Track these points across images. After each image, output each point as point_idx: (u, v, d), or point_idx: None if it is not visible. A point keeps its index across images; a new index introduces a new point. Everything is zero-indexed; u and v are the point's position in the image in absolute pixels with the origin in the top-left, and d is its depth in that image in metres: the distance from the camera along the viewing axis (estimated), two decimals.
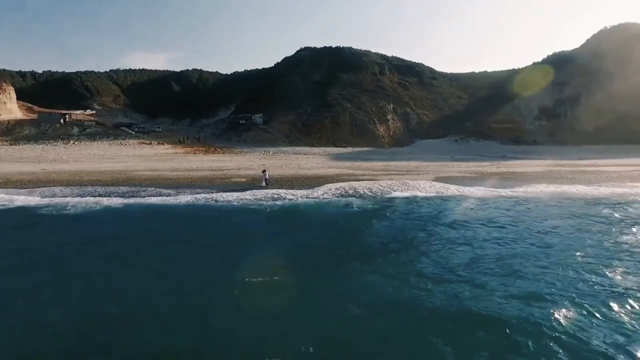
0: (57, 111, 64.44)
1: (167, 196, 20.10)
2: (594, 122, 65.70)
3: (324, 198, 20.51)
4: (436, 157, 49.36)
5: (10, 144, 46.87)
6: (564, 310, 7.94)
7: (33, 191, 20.77)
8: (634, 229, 14.42)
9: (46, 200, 18.68)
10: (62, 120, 59.87)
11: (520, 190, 23.06)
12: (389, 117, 73.89)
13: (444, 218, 16.33)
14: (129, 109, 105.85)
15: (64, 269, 10.60)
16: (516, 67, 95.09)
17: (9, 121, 55.54)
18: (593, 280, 9.60)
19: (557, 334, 7.11)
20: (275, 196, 20.49)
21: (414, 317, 7.87)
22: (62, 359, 6.65)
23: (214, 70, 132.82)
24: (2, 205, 17.78)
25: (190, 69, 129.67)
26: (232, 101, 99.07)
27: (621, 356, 6.48)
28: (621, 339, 6.98)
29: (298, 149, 56.79)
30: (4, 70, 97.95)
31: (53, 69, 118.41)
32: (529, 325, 7.43)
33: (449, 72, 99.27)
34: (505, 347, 6.80)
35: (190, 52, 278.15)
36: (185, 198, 19.66)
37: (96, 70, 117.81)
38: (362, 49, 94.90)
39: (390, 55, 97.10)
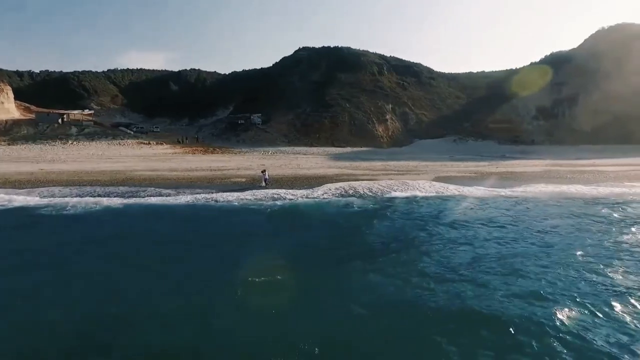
0: (55, 111, 64.20)
1: (167, 196, 20.06)
2: (592, 122, 65.99)
3: (324, 198, 20.51)
4: (435, 157, 49.44)
5: (8, 144, 46.67)
6: (566, 309, 7.97)
7: (32, 191, 20.69)
8: (633, 229, 14.49)
9: (45, 201, 18.61)
10: (60, 120, 59.61)
11: (519, 190, 23.14)
12: (387, 117, 73.96)
13: (444, 218, 16.36)
14: (126, 108, 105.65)
15: (64, 269, 10.57)
16: (514, 67, 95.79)
17: (6, 121, 55.30)
18: (594, 279, 9.64)
19: (559, 333, 7.14)
20: (275, 196, 20.48)
21: (416, 316, 7.88)
22: (62, 359, 6.64)
23: (212, 70, 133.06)
24: (1, 205, 17.70)
25: (188, 68, 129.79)
26: (230, 101, 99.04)
27: (624, 356, 6.51)
28: (624, 338, 7.02)
29: (297, 149, 56.77)
30: (1, 69, 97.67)
31: (50, 69, 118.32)
32: (531, 324, 7.45)
33: (446, 72, 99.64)
34: (508, 346, 6.82)
35: (188, 51, 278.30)
36: (185, 198, 19.62)
37: (94, 70, 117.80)
38: (361, 49, 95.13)
39: (388, 55, 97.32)
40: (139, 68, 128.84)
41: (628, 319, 7.68)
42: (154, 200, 19.28)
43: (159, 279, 9.95)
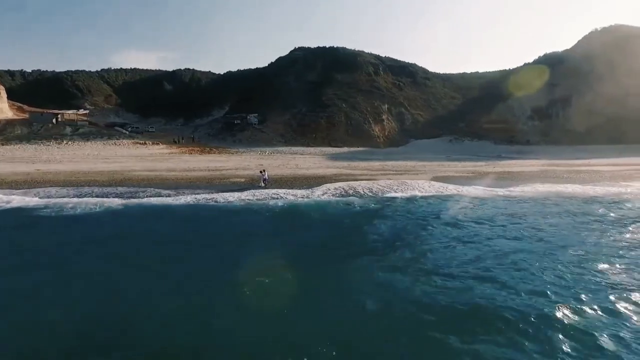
0: (49, 111, 63.50)
1: (166, 197, 19.95)
2: (586, 123, 66.71)
3: (324, 198, 20.53)
4: (432, 157, 49.66)
5: (2, 144, 46.04)
6: (568, 305, 8.07)
7: (29, 192, 20.47)
8: (631, 228, 14.69)
9: (43, 201, 18.41)
10: (54, 120, 58.99)
11: (517, 190, 23.33)
12: (383, 117, 74.19)
13: (445, 217, 16.45)
14: (121, 108, 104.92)
15: (64, 269, 10.52)
16: (507, 68, 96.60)
17: (0, 121, 54.63)
18: (595, 276, 9.77)
19: (563, 329, 7.23)
20: (275, 196, 20.46)
21: (418, 314, 7.88)
22: (62, 359, 6.62)
23: (207, 70, 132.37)
24: None
25: (182, 68, 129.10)
26: (225, 101, 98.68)
27: (627, 351, 6.61)
28: (626, 333, 7.11)
29: (294, 148, 56.72)
30: None
31: (41, 68, 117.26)
32: (534, 320, 7.55)
33: (441, 72, 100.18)
34: (512, 342, 6.88)
35: (181, 51, 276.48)
36: (185, 198, 19.53)
37: (87, 70, 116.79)
38: (356, 49, 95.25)
39: (383, 55, 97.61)
40: (132, 68, 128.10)
41: (629, 314, 7.79)
42: (153, 200, 19.16)
43: (159, 279, 9.93)
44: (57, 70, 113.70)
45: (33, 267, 10.54)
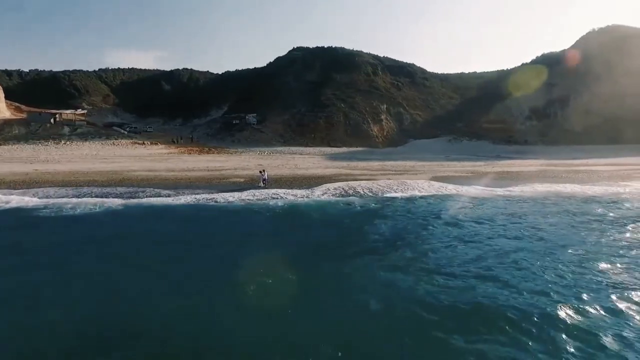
0: (47, 111, 63.24)
1: (166, 197, 19.91)
2: (583, 123, 66.99)
3: (323, 198, 20.54)
4: (431, 157, 49.73)
5: (0, 144, 45.86)
6: (569, 304, 8.12)
7: (27, 192, 20.38)
8: (630, 227, 14.75)
9: (42, 201, 18.34)
10: (52, 120, 58.76)
11: (517, 190, 23.40)
12: (382, 117, 74.28)
13: (445, 217, 16.47)
14: (118, 108, 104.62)
15: (64, 269, 10.50)
16: (505, 68, 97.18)
17: None
18: (597, 275, 9.81)
19: (566, 328, 7.26)
20: (275, 196, 20.46)
21: (420, 314, 7.87)
22: (62, 359, 6.61)
23: (205, 70, 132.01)
24: None
25: (179, 68, 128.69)
26: (224, 101, 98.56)
27: (630, 350, 6.64)
28: (626, 331, 7.16)
29: (293, 148, 56.71)
30: None
31: (39, 68, 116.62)
32: (535, 318, 7.60)
33: (439, 72, 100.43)
34: (514, 341, 6.91)
35: (178, 51, 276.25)
36: (185, 198, 19.50)
37: (84, 69, 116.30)
38: (354, 49, 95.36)
39: (381, 55, 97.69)
40: (130, 67, 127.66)
41: (631, 313, 7.83)
42: (153, 200, 19.12)
43: (159, 279, 9.91)
44: (55, 70, 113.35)
45: (33, 267, 10.51)
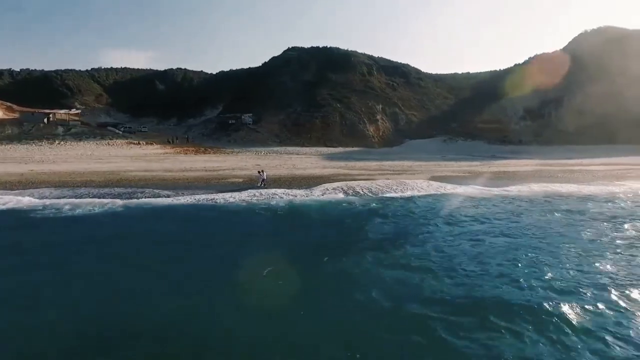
0: (40, 110, 62.40)
1: (165, 197, 19.80)
2: (577, 123, 67.75)
3: (323, 198, 20.58)
4: (427, 156, 49.98)
5: None
6: (571, 301, 8.28)
7: (23, 192, 20.13)
8: (627, 226, 15.02)
9: (40, 202, 18.13)
10: (45, 120, 58.05)
11: (514, 189, 23.65)
12: (378, 117, 74.46)
13: (445, 216, 16.63)
14: (112, 108, 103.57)
15: (64, 269, 10.49)
16: (498, 69, 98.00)
17: None
18: (597, 272, 10.02)
19: (568, 323, 7.42)
20: (275, 196, 20.46)
21: (422, 312, 7.92)
22: (62, 359, 6.61)
23: (198, 69, 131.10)
24: None
25: (173, 67, 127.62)
26: (219, 101, 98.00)
27: (626, 344, 6.78)
28: (624, 325, 7.32)
29: (289, 148, 56.64)
30: None
31: (30, 67, 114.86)
32: (536, 312, 7.77)
33: (433, 73, 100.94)
34: (516, 337, 7.00)
35: (171, 51, 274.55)
36: (184, 199, 19.42)
37: (77, 69, 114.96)
38: (349, 50, 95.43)
39: (376, 55, 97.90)
40: (123, 67, 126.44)
41: (628, 308, 8.03)
42: (152, 201, 19.01)
43: (159, 279, 9.91)
44: (46, 69, 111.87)
45: (33, 267, 10.48)
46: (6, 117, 57.77)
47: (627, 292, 8.73)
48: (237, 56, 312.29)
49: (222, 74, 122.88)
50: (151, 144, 54.30)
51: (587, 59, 75.00)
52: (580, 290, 8.82)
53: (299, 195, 20.93)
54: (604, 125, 63.71)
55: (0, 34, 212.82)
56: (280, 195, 20.70)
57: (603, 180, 27.62)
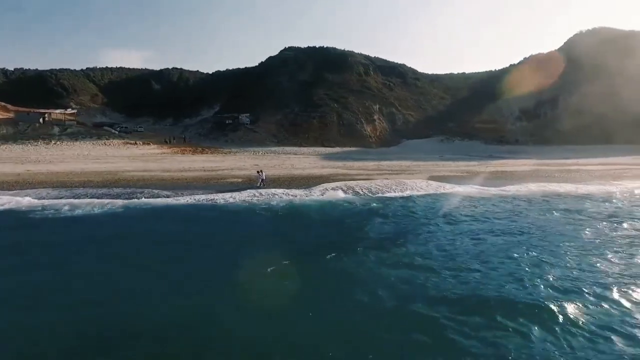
0: (36, 110, 61.90)
1: (165, 197, 19.72)
2: (572, 123, 68.17)
3: (323, 197, 20.60)
4: (425, 156, 50.12)
5: None
6: (572, 298, 8.37)
7: (21, 193, 19.95)
8: (625, 224, 15.21)
9: (39, 202, 18.00)
10: (41, 120, 57.57)
11: (512, 189, 23.80)
12: (375, 117, 74.61)
13: (446, 215, 16.72)
14: (107, 108, 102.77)
15: (64, 269, 10.46)
16: (494, 69, 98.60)
17: None
18: (598, 270, 10.13)
19: (569, 319, 7.49)
20: (275, 196, 20.44)
21: (423, 311, 7.94)
22: (62, 359, 6.59)
23: (194, 69, 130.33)
24: None
25: (168, 67, 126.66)
26: (215, 101, 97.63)
27: (629, 339, 6.85)
28: (623, 322, 7.40)
29: (287, 148, 56.61)
30: None
31: (24, 66, 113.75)
32: (535, 309, 7.85)
33: (429, 73, 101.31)
34: (518, 335, 7.05)
35: (167, 50, 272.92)
36: (184, 199, 19.36)
37: (72, 68, 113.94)
38: (346, 50, 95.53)
39: (372, 56, 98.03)
40: (118, 67, 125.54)
41: (631, 304, 8.12)
42: (152, 201, 18.94)
43: (159, 279, 9.89)
44: (41, 68, 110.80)
45: (33, 267, 10.45)
46: (1, 116, 57.28)
47: (628, 289, 8.80)
48: (237, 56, 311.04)
49: (218, 73, 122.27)
50: (148, 144, 54.07)
51: (582, 59, 75.60)
52: (583, 288, 8.89)
53: (298, 195, 20.92)
54: (601, 125, 64.18)
55: (0, 34, 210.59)
56: (280, 195, 20.68)
57: (600, 180, 27.84)
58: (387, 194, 21.69)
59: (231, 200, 19.45)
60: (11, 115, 58.96)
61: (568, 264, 10.50)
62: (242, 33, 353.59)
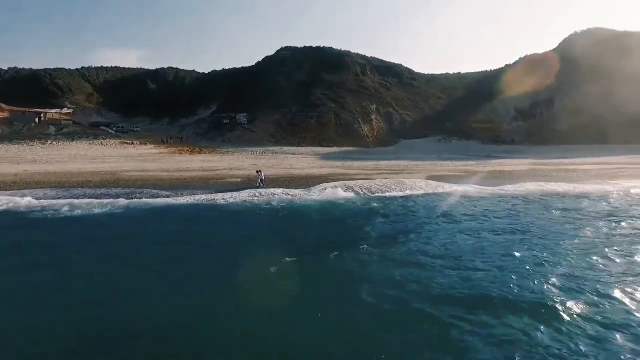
0: (31, 110, 61.44)
1: (165, 197, 19.65)
2: (568, 123, 68.67)
3: (323, 197, 20.61)
4: (423, 156, 50.30)
5: None
6: (573, 296, 8.41)
7: (19, 193, 19.79)
8: (623, 224, 15.31)
9: (37, 203, 17.88)
10: (37, 120, 57.17)
11: (511, 188, 23.92)
12: (372, 117, 74.77)
13: (446, 214, 16.80)
14: (103, 108, 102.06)
15: (64, 269, 10.42)
16: (489, 69, 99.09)
17: None
18: (595, 266, 10.27)
19: (569, 318, 7.52)
20: (275, 196, 20.43)
21: (424, 311, 7.94)
22: (62, 359, 6.58)
23: (190, 69, 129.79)
24: None
25: (164, 67, 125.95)
26: (212, 101, 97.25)
27: (630, 337, 6.91)
28: (624, 320, 7.44)
29: (285, 148, 56.59)
30: None
31: (18, 66, 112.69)
32: (536, 307, 7.88)
33: (426, 73, 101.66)
34: (519, 332, 7.08)
35: (162, 50, 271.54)
36: (184, 199, 19.30)
37: (67, 68, 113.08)
38: (342, 50, 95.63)
39: (369, 56, 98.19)
40: (114, 66, 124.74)
41: (629, 302, 8.20)
42: (152, 201, 18.85)
43: (159, 279, 9.87)
44: (35, 68, 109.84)
45: (33, 267, 10.41)
46: None
47: (630, 288, 8.86)
48: (237, 56, 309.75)
49: (214, 73, 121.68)
50: (145, 144, 53.83)
51: (578, 60, 76.19)
52: (585, 286, 8.94)
53: (298, 195, 20.92)
54: (597, 125, 64.69)
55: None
56: (280, 195, 20.68)
57: (597, 180, 28.05)
58: (387, 194, 21.75)
59: (231, 200, 19.42)
60: (6, 115, 58.46)
61: (569, 263, 10.58)
62: (242, 33, 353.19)
